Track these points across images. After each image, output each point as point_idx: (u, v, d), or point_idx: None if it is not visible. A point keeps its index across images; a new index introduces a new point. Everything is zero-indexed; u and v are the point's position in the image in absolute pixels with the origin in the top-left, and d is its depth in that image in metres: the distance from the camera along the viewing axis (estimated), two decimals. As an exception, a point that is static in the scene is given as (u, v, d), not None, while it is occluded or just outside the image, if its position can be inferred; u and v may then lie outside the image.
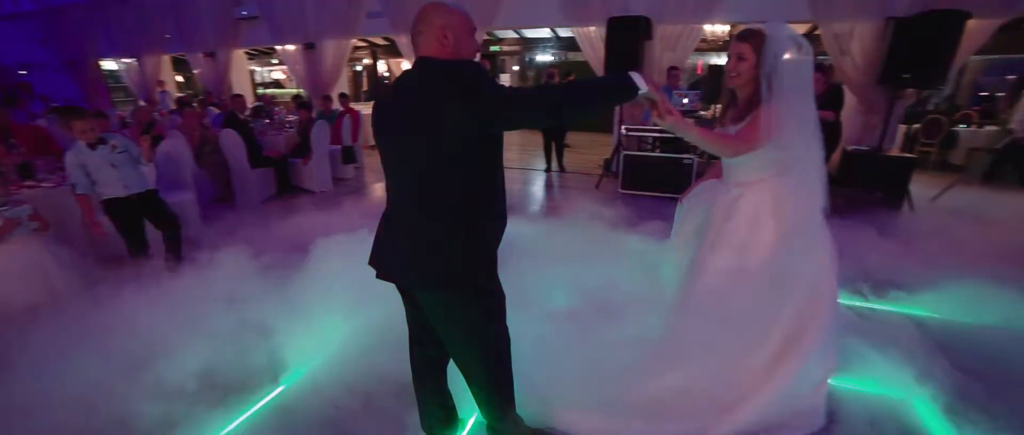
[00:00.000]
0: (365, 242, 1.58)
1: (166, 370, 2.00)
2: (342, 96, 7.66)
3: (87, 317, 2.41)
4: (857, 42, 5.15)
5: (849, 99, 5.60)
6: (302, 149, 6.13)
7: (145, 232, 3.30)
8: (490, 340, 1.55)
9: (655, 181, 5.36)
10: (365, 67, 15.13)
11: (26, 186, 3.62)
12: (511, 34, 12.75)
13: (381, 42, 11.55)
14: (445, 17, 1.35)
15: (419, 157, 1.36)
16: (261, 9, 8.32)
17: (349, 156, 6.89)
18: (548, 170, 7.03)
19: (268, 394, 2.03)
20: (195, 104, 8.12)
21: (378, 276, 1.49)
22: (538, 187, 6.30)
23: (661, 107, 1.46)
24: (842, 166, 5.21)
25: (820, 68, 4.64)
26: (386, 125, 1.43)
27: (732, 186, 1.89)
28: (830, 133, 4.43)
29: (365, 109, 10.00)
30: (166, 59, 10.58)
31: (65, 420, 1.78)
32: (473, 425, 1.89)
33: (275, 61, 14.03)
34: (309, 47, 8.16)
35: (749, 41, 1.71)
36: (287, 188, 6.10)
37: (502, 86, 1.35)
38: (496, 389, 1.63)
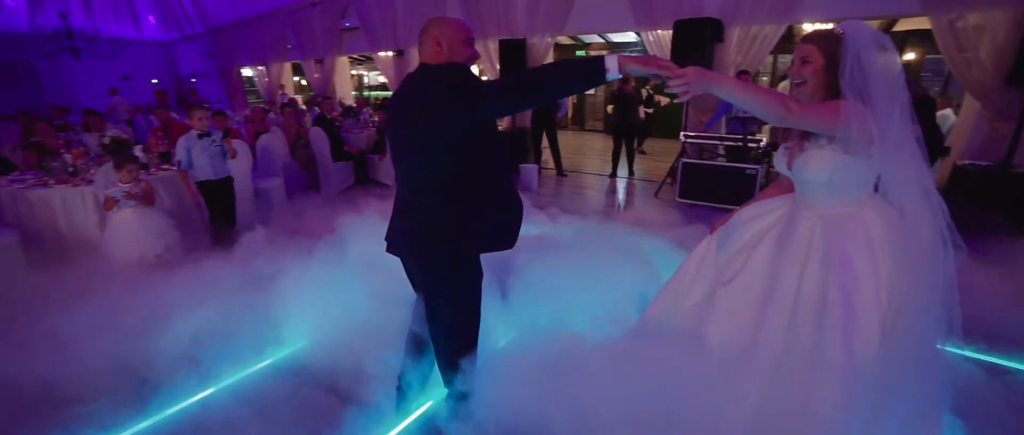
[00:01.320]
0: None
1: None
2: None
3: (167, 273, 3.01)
4: (985, 37, 4.34)
5: (970, 105, 4.76)
6: (379, 146, 6.75)
7: (219, 209, 3.99)
8: (462, 315, 1.74)
9: (714, 191, 5.03)
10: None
11: (163, 169, 4.52)
12: (597, 39, 12.65)
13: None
14: (439, 29, 1.60)
15: (418, 149, 1.59)
16: (362, 20, 9.30)
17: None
18: (613, 175, 6.91)
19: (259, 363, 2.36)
20: (304, 105, 9.33)
21: (387, 250, 1.80)
22: (594, 190, 6.23)
23: (668, 71, 1.37)
24: (950, 183, 4.44)
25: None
26: (394, 122, 1.68)
27: (806, 212, 1.57)
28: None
29: None
30: (288, 66, 12.25)
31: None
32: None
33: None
34: (399, 54, 8.95)
35: (816, 42, 1.44)
36: (364, 180, 6.76)
37: (490, 82, 1.55)
38: (455, 355, 1.76)
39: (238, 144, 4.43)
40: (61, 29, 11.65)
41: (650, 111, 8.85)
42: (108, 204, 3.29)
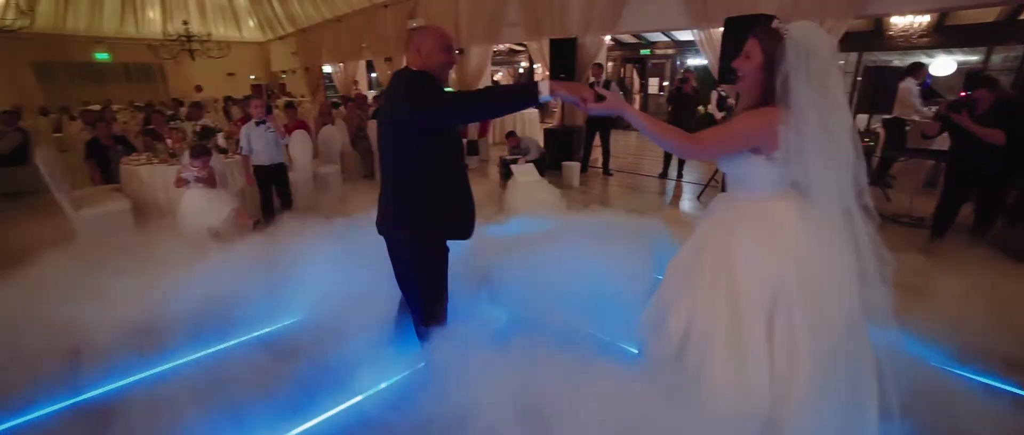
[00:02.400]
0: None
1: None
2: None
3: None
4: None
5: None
6: (433, 140, 7.18)
7: (273, 196, 4.53)
8: (427, 286, 2.02)
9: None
10: (524, 69, 16.31)
11: (237, 154, 5.19)
12: (661, 37, 12.30)
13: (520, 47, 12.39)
14: (421, 37, 1.84)
15: (391, 142, 1.86)
16: (428, 21, 9.83)
17: (472, 149, 7.76)
18: (662, 175, 6.80)
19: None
20: (371, 99, 10.06)
21: (378, 231, 2.05)
22: (634, 190, 6.19)
23: (585, 101, 1.57)
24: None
25: (986, 81, 3.61)
26: (381, 117, 1.96)
27: (728, 201, 1.63)
28: (1007, 157, 3.43)
29: None
30: (362, 63, 13.20)
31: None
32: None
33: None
34: (459, 52, 9.35)
35: (759, 38, 1.45)
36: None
37: (438, 92, 1.77)
38: (422, 312, 2.07)
39: (300, 133, 4.98)
40: (183, 34, 13.49)
41: (723, 114, 8.51)
42: (179, 183, 3.89)
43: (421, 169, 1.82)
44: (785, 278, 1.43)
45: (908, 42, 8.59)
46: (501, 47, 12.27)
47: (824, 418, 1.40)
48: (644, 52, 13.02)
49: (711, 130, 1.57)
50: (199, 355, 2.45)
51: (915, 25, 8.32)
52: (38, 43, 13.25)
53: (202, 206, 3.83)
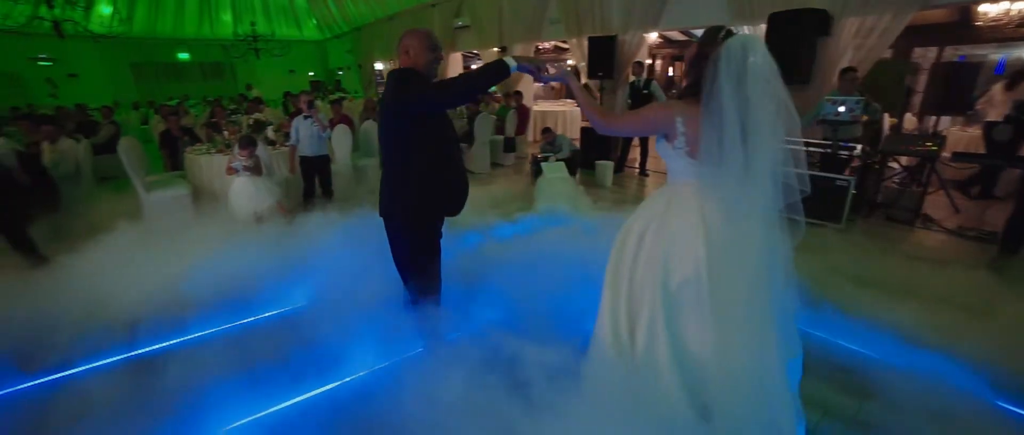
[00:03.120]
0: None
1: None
2: (516, 93, 8.68)
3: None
4: None
5: None
6: (469, 136, 7.35)
7: (315, 186, 4.83)
8: (419, 260, 2.25)
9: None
10: (571, 67, 16.24)
11: (285, 145, 5.60)
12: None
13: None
14: (408, 39, 2.07)
15: (386, 134, 2.10)
16: (472, 19, 10.04)
17: (510, 146, 7.87)
18: None
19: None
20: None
21: (379, 214, 2.28)
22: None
23: (541, 71, 1.94)
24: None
25: None
26: (379, 111, 2.20)
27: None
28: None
29: (537, 107, 10.99)
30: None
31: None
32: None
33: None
34: (502, 50, 9.48)
35: (697, 42, 1.64)
36: (453, 167, 7.43)
37: (422, 83, 2.00)
38: (416, 289, 2.30)
39: (341, 127, 5.29)
40: (250, 34, 14.55)
41: None
42: (229, 171, 4.26)
43: (411, 158, 2.06)
44: (698, 259, 1.57)
45: (1002, 33, 7.73)
46: (547, 45, 12.27)
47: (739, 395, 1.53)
48: (694, 49, 12.61)
49: (627, 112, 1.81)
50: (226, 327, 2.72)
51: (1011, 13, 7.45)
52: (134, 46, 14.90)
53: (249, 192, 4.19)
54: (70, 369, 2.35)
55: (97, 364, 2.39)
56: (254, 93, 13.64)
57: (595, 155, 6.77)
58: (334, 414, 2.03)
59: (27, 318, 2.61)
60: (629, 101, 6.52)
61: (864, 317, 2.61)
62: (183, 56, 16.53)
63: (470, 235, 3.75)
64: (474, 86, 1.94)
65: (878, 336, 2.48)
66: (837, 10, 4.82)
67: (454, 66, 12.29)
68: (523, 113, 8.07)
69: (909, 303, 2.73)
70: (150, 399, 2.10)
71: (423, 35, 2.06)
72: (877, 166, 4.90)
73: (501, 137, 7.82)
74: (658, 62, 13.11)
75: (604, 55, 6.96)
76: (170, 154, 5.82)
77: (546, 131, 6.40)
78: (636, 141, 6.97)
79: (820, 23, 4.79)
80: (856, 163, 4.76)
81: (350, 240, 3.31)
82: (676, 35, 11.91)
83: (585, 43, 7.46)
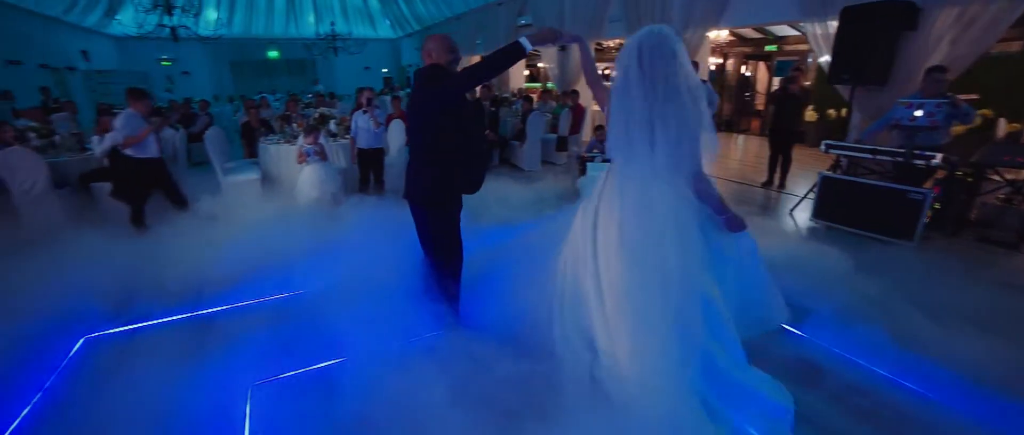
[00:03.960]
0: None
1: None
2: (573, 92, 8.64)
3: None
4: None
5: None
6: (522, 134, 7.44)
7: (370, 176, 5.14)
8: (447, 237, 2.45)
9: (862, 215, 4.15)
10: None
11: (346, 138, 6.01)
12: (790, 31, 11.00)
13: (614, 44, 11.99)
14: (430, 44, 2.29)
15: (417, 125, 2.31)
16: (535, 18, 10.11)
17: (563, 145, 7.86)
18: (767, 184, 6.19)
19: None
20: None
21: (404, 198, 2.49)
22: (729, 198, 5.72)
23: (555, 36, 2.11)
24: None
25: None
26: (410, 106, 2.39)
27: None
28: None
29: (596, 107, 10.78)
30: (476, 58, 14.00)
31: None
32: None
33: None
34: (562, 49, 9.46)
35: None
36: (505, 163, 7.55)
37: (448, 73, 2.23)
38: (442, 263, 2.49)
39: (396, 122, 5.60)
40: (329, 33, 15.68)
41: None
42: (300, 157, 4.66)
43: (437, 147, 2.25)
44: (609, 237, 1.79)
45: None
46: (611, 44, 12.07)
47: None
48: (770, 48, 11.76)
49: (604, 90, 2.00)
50: (268, 298, 3.02)
51: None
52: (233, 46, 16.70)
53: (316, 180, 4.60)
54: (146, 321, 2.76)
55: (166, 319, 2.79)
56: (319, 88, 14.76)
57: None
58: (348, 384, 2.20)
59: (121, 275, 3.15)
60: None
61: (930, 352, 2.30)
62: (273, 54, 18.16)
63: (495, 230, 3.83)
64: (494, 67, 2.08)
65: (946, 377, 2.16)
66: (928, 2, 4.32)
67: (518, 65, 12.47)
68: (578, 112, 8.00)
69: (989, 339, 2.37)
70: (202, 351, 2.42)
71: (442, 38, 2.30)
72: (970, 178, 4.32)
73: (554, 135, 7.82)
74: (730, 61, 12.40)
75: (662, 53, 6.74)
76: (248, 143, 6.48)
77: (599, 129, 6.32)
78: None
79: (903, 16, 4.33)
80: (942, 174, 4.24)
81: (389, 225, 3.50)
82: (749, 32, 11.22)
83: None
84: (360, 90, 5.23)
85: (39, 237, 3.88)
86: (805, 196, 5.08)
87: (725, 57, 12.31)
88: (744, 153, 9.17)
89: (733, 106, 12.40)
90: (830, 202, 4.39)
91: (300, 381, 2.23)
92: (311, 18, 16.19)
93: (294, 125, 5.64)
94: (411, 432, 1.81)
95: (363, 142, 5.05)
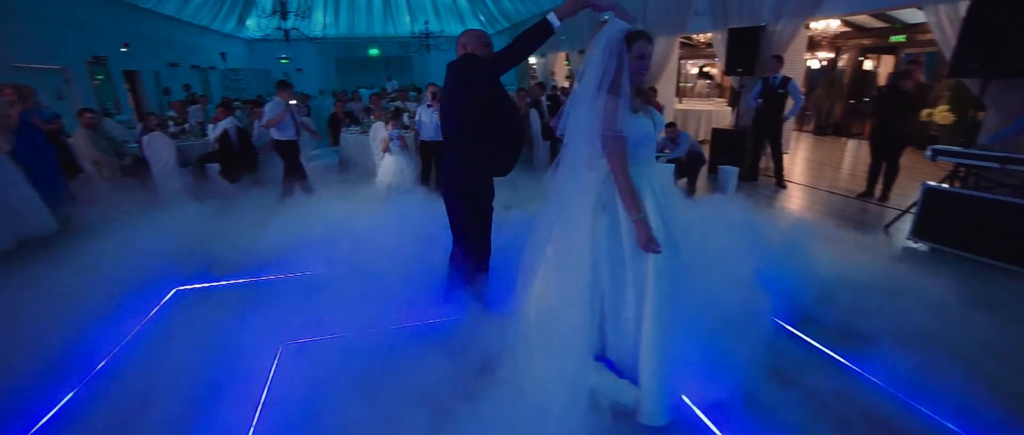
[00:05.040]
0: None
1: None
2: (651, 90, 8.26)
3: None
4: None
5: None
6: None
7: (432, 168, 5.41)
8: (478, 228, 2.55)
9: (977, 236, 3.48)
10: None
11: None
12: (920, 17, 9.46)
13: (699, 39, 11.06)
14: (466, 37, 2.38)
15: (451, 111, 2.38)
16: (616, 11, 9.81)
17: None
18: (866, 195, 5.44)
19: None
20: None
21: (438, 187, 2.62)
22: (815, 209, 5.15)
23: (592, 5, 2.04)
24: None
25: None
26: (444, 95, 2.47)
27: None
28: None
29: (680, 105, 10.17)
30: (561, 55, 13.94)
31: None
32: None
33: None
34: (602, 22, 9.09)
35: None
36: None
37: (481, 59, 2.26)
38: (474, 247, 2.60)
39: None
40: (423, 32, 16.63)
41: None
42: (384, 144, 5.08)
43: (471, 133, 2.32)
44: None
45: None
46: (701, 39, 11.32)
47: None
48: (896, 38, 10.17)
49: None
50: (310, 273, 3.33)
51: None
52: (339, 45, 18.45)
53: (396, 169, 5.01)
54: (221, 280, 3.25)
55: (235, 281, 3.25)
56: (394, 84, 15.71)
57: (726, 159, 6.10)
58: (366, 356, 2.38)
59: (212, 239, 3.77)
60: (760, 101, 5.72)
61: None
62: (373, 52, 19.70)
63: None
64: (525, 46, 2.09)
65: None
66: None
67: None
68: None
69: None
70: (256, 309, 2.76)
71: (479, 34, 2.38)
72: None
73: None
74: (845, 55, 10.98)
75: (746, 49, 6.20)
76: (334, 132, 7.15)
77: (671, 126, 5.94)
78: (768, 146, 6.08)
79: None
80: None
81: (439, 216, 3.67)
82: (867, 20, 9.82)
83: (719, 37, 6.74)
84: (429, 85, 5.51)
85: (167, 205, 4.69)
86: (906, 211, 4.37)
87: (837, 50, 10.93)
88: (854, 161, 8.09)
89: (843, 107, 10.99)
90: (937, 219, 3.75)
91: (324, 347, 2.46)
92: (407, 17, 17.30)
93: (371, 117, 6.11)
94: (417, 405, 1.93)
95: (426, 135, 5.33)
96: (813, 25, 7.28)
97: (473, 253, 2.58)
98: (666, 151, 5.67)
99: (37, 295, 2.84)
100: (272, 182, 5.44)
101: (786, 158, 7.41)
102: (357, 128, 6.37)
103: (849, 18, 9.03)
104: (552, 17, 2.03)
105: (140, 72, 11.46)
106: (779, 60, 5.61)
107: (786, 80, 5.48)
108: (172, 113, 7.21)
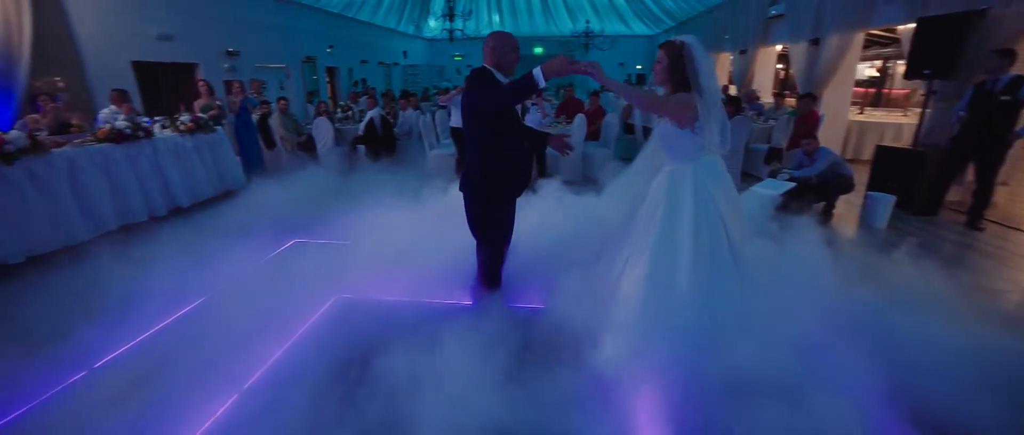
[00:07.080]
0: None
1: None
2: (808, 96, 6.99)
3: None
4: None
5: None
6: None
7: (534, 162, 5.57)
8: (489, 233, 2.60)
9: None
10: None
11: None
12: None
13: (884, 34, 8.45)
14: (494, 41, 2.37)
15: (470, 124, 2.46)
16: (788, 7, 8.49)
17: (775, 155, 6.56)
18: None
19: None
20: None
21: (460, 190, 2.74)
22: (997, 258, 3.83)
23: (573, 66, 2.06)
24: None
25: None
26: (463, 104, 2.54)
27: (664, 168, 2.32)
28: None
29: (857, 117, 8.20)
30: (725, 55, 12.61)
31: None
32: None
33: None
34: (814, 42, 7.70)
35: (664, 48, 2.17)
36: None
37: (489, 85, 2.31)
38: (485, 256, 2.68)
39: (578, 117, 5.97)
40: (585, 30, 16.79)
41: None
42: None
43: (482, 145, 2.39)
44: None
45: None
46: (887, 35, 9.03)
47: None
48: None
49: (664, 97, 2.20)
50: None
51: None
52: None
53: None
54: (322, 239, 4.01)
55: (335, 242, 3.94)
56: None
57: (893, 187, 4.78)
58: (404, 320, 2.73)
59: (332, 204, 4.62)
60: (963, 113, 4.35)
61: None
62: (538, 50, 20.59)
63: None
64: (514, 96, 2.14)
65: None
66: None
67: (766, 62, 10.69)
68: (809, 119, 6.38)
69: None
70: (341, 266, 3.34)
71: (508, 37, 2.38)
72: None
73: (767, 146, 6.59)
74: None
75: (942, 43, 4.77)
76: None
77: (808, 138, 4.96)
78: (971, 172, 4.62)
79: None
80: None
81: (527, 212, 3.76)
82: None
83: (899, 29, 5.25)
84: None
85: (330, 175, 5.84)
86: None
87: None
88: None
89: None
90: None
91: (368, 305, 2.89)
92: (566, 17, 17.64)
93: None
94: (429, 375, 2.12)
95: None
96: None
97: (480, 252, 2.66)
98: (788, 169, 4.82)
99: (222, 223, 4.36)
100: (407, 163, 6.35)
101: (1003, 191, 5.56)
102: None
103: None
104: (537, 73, 2.02)
105: (338, 68, 14.22)
106: (1007, 56, 4.13)
107: (1019, 81, 4.07)
108: (343, 102, 8.82)
